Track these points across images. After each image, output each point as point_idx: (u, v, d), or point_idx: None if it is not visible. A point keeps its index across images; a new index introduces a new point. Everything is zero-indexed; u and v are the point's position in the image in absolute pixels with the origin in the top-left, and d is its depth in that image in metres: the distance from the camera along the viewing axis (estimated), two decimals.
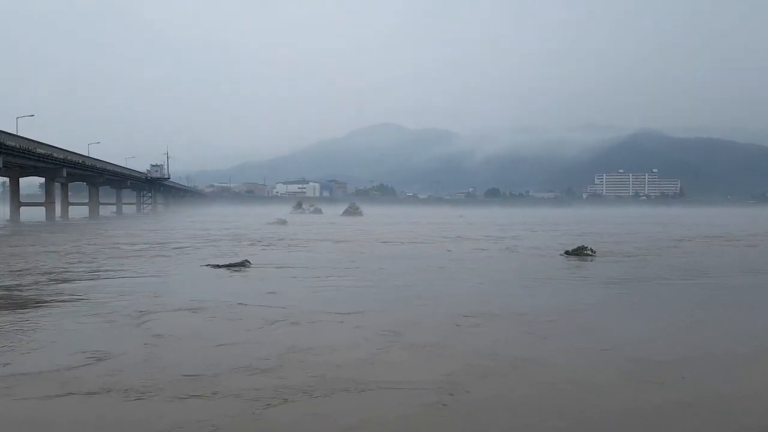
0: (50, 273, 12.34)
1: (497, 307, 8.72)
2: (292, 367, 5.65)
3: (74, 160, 49.92)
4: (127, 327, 7.27)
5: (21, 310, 8.21)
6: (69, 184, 57.74)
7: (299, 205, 78.08)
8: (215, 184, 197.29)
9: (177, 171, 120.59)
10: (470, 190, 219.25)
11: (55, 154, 45.31)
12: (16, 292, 9.70)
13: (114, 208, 70.73)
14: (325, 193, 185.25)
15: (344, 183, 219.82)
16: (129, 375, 5.38)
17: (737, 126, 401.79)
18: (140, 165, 79.96)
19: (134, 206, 78.50)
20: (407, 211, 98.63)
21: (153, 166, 79.96)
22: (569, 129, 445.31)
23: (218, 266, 14.46)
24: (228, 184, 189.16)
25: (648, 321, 7.77)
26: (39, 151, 42.38)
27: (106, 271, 12.85)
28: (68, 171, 48.83)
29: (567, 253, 17.07)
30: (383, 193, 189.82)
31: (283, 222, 40.56)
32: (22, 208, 42.91)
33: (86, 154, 54.94)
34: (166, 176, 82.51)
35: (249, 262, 14.95)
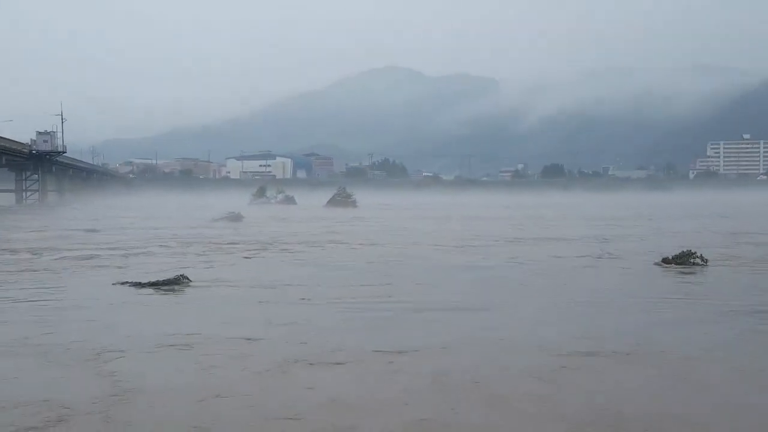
0: None
1: (600, 339, 9.24)
2: None
3: None
4: None
5: None
6: None
7: (262, 192, 78.06)
8: (134, 161, 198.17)
9: (77, 142, 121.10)
10: (519, 167, 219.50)
11: None
12: None
13: None
14: (301, 173, 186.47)
15: (329, 158, 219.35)
16: None
17: None
18: (22, 132, 79.51)
19: (13, 195, 78.46)
20: (425, 199, 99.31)
21: (40, 134, 77.92)
22: (669, 73, 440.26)
23: (140, 285, 14.30)
24: (153, 161, 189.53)
25: None
26: None
27: None
28: None
29: (666, 261, 17.43)
30: (389, 172, 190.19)
31: (237, 217, 40.61)
32: None
33: None
34: (60, 149, 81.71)
35: (186, 278, 14.77)
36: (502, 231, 31.59)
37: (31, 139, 78.67)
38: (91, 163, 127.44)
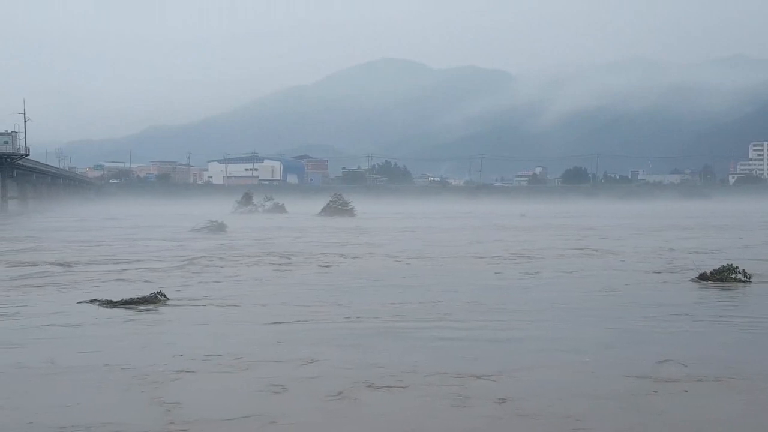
0: None
1: (685, 362, 9.46)
2: None
3: None
4: None
5: None
6: None
7: (248, 199, 78.25)
8: (105, 164, 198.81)
9: (41, 143, 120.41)
10: (537, 170, 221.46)
11: None
12: None
13: None
14: (292, 178, 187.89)
15: (323, 161, 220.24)
16: None
17: None
18: None
19: None
20: (434, 207, 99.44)
21: (0, 135, 78.87)
22: (704, 66, 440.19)
23: (112, 303, 14.12)
24: (126, 165, 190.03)
25: None
26: None
27: None
28: None
29: (703, 277, 17.82)
30: (390, 177, 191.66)
31: (220, 228, 40.80)
32: None
33: None
34: (23, 152, 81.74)
35: (164, 295, 14.63)
36: (551, 242, 32.33)
37: None
38: (57, 167, 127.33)
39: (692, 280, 17.90)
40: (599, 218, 61.30)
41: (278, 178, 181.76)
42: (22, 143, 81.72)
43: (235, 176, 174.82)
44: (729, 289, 16.47)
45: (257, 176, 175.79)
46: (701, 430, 6.90)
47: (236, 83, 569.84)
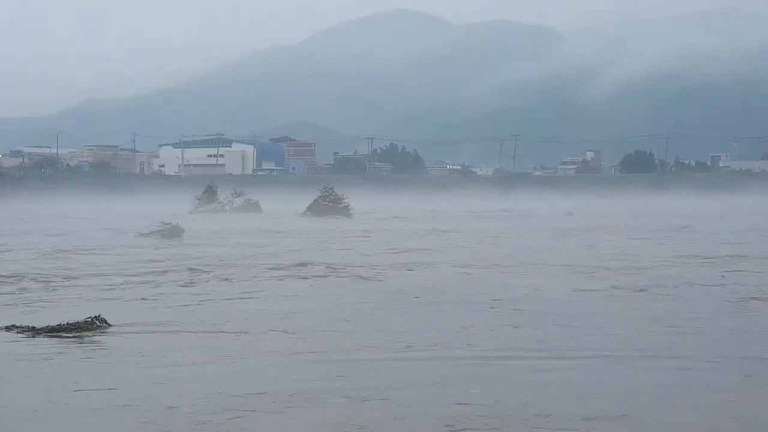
0: None
1: None
2: None
3: None
4: None
5: None
6: None
7: (211, 195, 78.61)
8: (25, 150, 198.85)
9: None
10: (588, 155, 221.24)
11: None
12: None
13: None
14: (269, 164, 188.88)
15: (309, 144, 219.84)
16: None
17: None
18: None
19: None
20: (453, 204, 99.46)
21: None
22: None
23: (34, 331, 14.27)
24: (53, 150, 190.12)
25: None
26: None
27: None
28: None
29: None
30: (397, 165, 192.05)
31: (174, 231, 40.99)
32: None
33: None
34: None
35: (104, 321, 14.76)
36: (651, 249, 33.01)
37: None
38: None
39: None
40: (685, 216, 61.54)
41: (251, 167, 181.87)
42: None
43: (194, 165, 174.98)
44: None
45: (224, 165, 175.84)
46: None
47: (197, 44, 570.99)
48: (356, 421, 9.09)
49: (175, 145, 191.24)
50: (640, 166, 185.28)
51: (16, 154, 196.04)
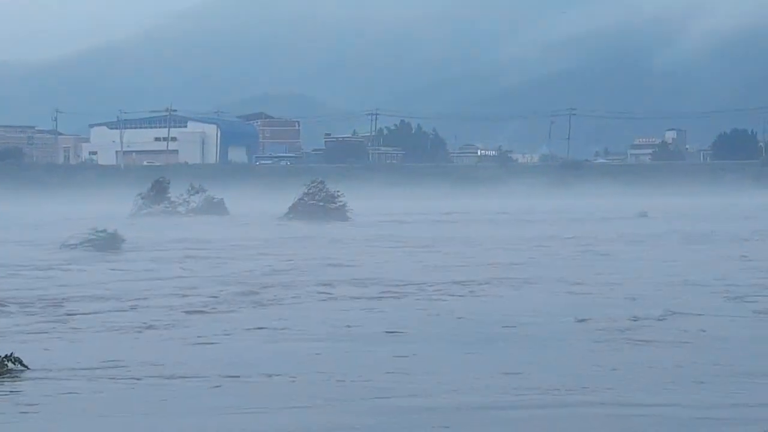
0: None
1: None
2: None
3: None
4: None
5: None
6: None
7: (160, 192, 78.70)
8: None
9: None
10: (669, 136, 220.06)
11: None
12: None
13: None
14: (237, 153, 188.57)
15: (291, 122, 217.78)
16: None
17: None
18: None
19: None
20: (486, 203, 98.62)
21: None
22: None
23: None
24: None
25: None
26: None
27: None
28: None
29: None
30: (410, 149, 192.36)
31: (111, 242, 41.07)
32: None
33: None
34: None
35: (18, 361, 14.75)
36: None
37: None
38: None
39: None
40: None
41: (214, 154, 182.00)
42: None
43: (137, 151, 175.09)
44: None
45: (177, 151, 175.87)
46: None
47: None
48: None
49: (110, 125, 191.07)
50: (739, 151, 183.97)
51: None
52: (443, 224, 61.40)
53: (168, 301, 24.23)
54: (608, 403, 12.93)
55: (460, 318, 21.18)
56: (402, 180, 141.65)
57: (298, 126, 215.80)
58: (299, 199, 69.31)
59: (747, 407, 12.73)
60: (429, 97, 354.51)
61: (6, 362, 14.77)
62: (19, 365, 14.81)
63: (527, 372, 14.91)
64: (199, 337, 18.85)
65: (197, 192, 78.36)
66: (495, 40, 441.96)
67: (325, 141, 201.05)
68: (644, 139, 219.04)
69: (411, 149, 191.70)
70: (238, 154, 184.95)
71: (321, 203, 67.80)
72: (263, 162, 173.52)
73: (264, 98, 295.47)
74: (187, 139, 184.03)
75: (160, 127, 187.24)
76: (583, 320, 20.34)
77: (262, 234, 51.78)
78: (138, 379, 14.73)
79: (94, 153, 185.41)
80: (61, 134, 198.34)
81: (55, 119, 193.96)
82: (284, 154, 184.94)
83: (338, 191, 69.58)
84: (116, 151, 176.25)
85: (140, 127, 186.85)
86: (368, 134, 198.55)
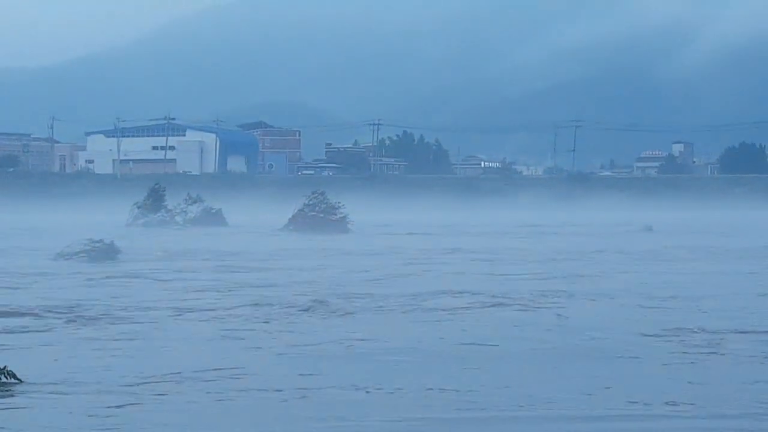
0: None
1: None
2: None
3: None
4: None
5: None
6: None
7: (157, 201, 78.87)
8: None
9: None
10: (676, 149, 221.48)
11: None
12: None
13: None
14: (236, 162, 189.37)
15: (292, 132, 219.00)
16: None
17: None
18: None
19: None
20: (491, 215, 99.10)
21: None
22: None
23: None
24: None
25: None
26: None
27: None
28: None
29: None
30: (413, 161, 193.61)
31: (108, 251, 41.21)
32: None
33: None
34: None
35: (12, 375, 14.72)
36: None
37: None
38: None
39: None
40: None
41: (213, 163, 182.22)
42: None
43: (135, 160, 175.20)
44: None
45: (175, 160, 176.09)
46: None
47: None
48: None
49: (108, 133, 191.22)
50: (747, 164, 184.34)
51: None
52: (460, 237, 61.66)
53: (164, 312, 24.16)
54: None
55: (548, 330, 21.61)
56: (403, 192, 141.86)
57: (299, 136, 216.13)
58: (299, 210, 69.36)
59: None
60: (432, 107, 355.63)
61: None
62: (12, 379, 14.72)
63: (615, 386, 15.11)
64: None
65: (195, 202, 78.39)
66: (499, 50, 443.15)
67: (326, 151, 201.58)
68: (650, 152, 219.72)
69: (413, 160, 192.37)
70: (236, 164, 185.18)
71: (321, 214, 67.84)
72: (305, 172, 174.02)
73: (263, 107, 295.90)
74: (186, 148, 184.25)
75: (158, 136, 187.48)
76: (669, 332, 20.76)
77: (257, 247, 51.69)
78: (135, 393, 14.62)
79: (91, 161, 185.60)
80: (57, 142, 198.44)
81: (52, 127, 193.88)
82: (327, 164, 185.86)
83: (339, 202, 69.69)
84: (113, 160, 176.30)
85: (138, 136, 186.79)
86: (370, 145, 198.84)
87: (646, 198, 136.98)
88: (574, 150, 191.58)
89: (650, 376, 16.18)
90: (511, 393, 14.68)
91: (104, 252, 40.86)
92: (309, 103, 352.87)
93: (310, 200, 70.30)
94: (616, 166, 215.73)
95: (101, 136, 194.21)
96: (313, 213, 68.11)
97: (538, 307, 25.67)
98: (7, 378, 14.71)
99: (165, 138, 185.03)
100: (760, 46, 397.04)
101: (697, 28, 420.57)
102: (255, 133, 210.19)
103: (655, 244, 54.52)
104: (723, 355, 18.17)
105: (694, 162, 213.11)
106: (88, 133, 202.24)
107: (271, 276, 34.94)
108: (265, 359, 17.77)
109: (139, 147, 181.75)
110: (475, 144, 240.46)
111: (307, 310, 24.87)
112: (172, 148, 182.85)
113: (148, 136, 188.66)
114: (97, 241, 41.53)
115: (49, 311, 24.11)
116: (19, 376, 14.96)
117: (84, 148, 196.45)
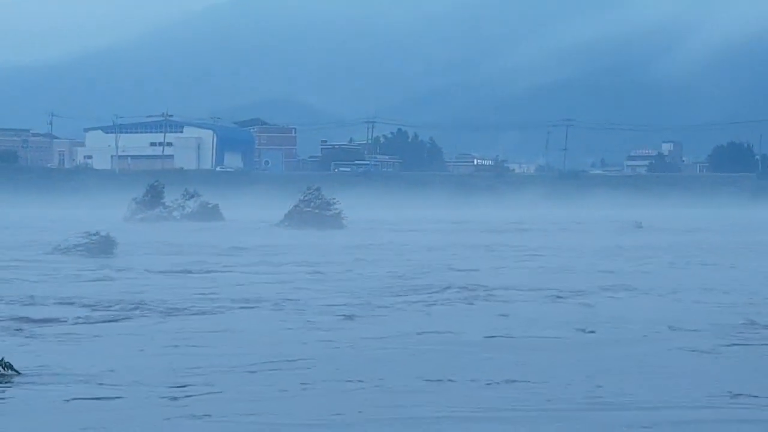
0: None
1: None
2: None
3: None
4: None
5: None
6: None
7: (155, 196, 79.08)
8: None
9: None
10: (666, 148, 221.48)
11: None
12: None
13: None
14: (233, 159, 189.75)
15: (288, 129, 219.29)
16: None
17: None
18: None
19: None
20: (484, 212, 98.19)
21: None
22: None
23: None
24: None
25: None
26: None
27: None
28: None
29: None
30: (407, 158, 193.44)
31: (105, 244, 41.06)
32: None
33: None
34: None
35: (9, 366, 14.65)
36: None
37: None
38: None
39: None
40: None
41: (210, 159, 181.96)
42: None
43: (133, 156, 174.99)
44: None
45: (172, 156, 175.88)
46: None
47: None
48: None
49: (106, 129, 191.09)
50: (736, 163, 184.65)
51: None
52: (464, 233, 61.87)
53: (162, 307, 24.06)
54: None
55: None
56: (398, 189, 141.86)
57: (295, 133, 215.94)
58: (295, 206, 69.35)
59: None
60: (426, 105, 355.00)
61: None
62: (10, 370, 14.65)
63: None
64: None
65: (192, 197, 78.41)
66: (492, 50, 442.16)
67: (322, 148, 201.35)
68: (641, 151, 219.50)
69: (408, 158, 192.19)
70: (233, 160, 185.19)
71: (316, 210, 67.80)
72: (342, 169, 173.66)
73: (260, 104, 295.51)
74: (183, 144, 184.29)
75: (155, 132, 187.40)
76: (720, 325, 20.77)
77: (254, 241, 51.58)
78: (128, 386, 14.47)
79: (89, 157, 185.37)
80: (56, 138, 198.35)
81: (51, 123, 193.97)
82: (361, 162, 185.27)
83: (334, 198, 69.69)
84: (111, 156, 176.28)
85: (136, 132, 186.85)
86: (365, 142, 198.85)
87: (636, 196, 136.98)
88: (565, 148, 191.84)
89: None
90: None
91: (101, 244, 40.66)
92: (305, 100, 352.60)
93: (305, 196, 70.25)
94: (606, 165, 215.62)
95: (100, 132, 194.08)
96: (308, 209, 68.06)
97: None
98: (5, 370, 14.64)
99: (163, 134, 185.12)
100: (749, 46, 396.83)
101: (685, 30, 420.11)
102: (251, 130, 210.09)
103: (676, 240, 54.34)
104: None
105: (683, 161, 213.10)
106: (86, 129, 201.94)
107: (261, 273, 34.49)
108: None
109: (137, 143, 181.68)
110: (468, 142, 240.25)
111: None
112: (169, 144, 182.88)
113: (146, 132, 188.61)
114: (94, 234, 41.33)
115: (43, 303, 24.00)
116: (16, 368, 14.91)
117: (83, 144, 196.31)
